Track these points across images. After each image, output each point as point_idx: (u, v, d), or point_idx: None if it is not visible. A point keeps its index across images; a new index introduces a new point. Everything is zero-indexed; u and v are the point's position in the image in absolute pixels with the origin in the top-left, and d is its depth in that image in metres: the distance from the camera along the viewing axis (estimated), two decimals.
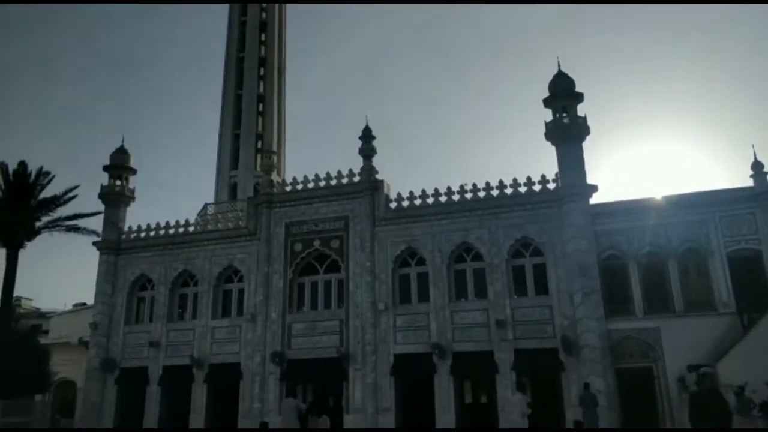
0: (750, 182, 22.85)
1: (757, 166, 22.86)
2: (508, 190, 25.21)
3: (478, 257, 25.04)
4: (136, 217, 61.59)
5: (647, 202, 23.67)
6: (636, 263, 23.10)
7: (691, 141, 64.44)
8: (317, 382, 28.28)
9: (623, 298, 23.04)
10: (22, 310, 41.53)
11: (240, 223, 29.65)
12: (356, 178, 27.58)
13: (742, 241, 22.21)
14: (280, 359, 26.05)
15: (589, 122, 24.51)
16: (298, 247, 27.64)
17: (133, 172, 32.56)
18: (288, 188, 29.03)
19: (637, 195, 31.02)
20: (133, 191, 32.28)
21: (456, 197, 25.91)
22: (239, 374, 26.63)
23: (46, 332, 34.75)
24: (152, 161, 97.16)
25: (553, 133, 24.69)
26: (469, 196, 25.73)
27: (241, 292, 28.40)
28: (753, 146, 23.55)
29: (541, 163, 75.21)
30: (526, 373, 23.52)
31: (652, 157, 66.01)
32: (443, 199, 26.12)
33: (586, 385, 19.84)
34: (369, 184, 27.06)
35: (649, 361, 22.17)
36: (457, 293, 25.20)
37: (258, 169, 35.58)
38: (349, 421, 24.32)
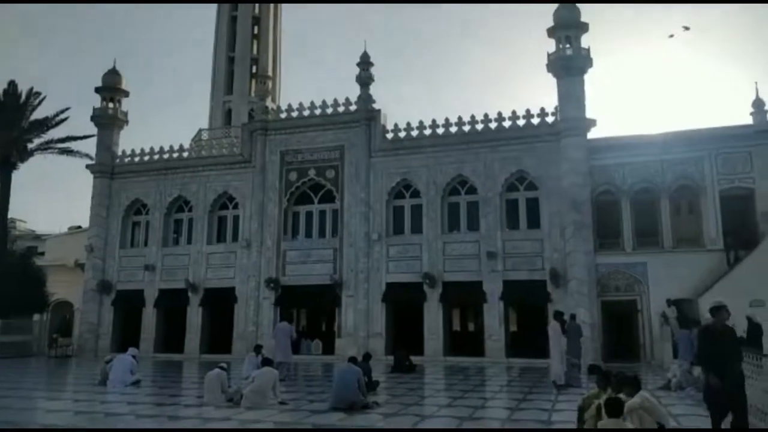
0: (750, 120, 22.70)
1: (758, 103, 22.65)
2: (507, 123, 24.99)
3: (472, 190, 25.11)
4: (130, 141, 61.06)
5: (644, 138, 23.55)
6: (629, 199, 23.25)
7: (692, 73, 63.27)
8: (311, 307, 29.06)
9: (613, 233, 23.34)
10: (17, 232, 41.77)
11: (234, 149, 29.47)
12: (353, 107, 27.21)
13: (736, 179, 22.27)
14: (274, 285, 26.55)
15: (592, 54, 24.01)
16: (293, 176, 27.60)
17: (126, 94, 31.97)
18: (283, 115, 28.67)
19: (636, 131, 30.86)
20: (126, 114, 31.82)
21: (453, 129, 25.69)
22: (234, 298, 27.21)
23: (42, 254, 35.12)
24: (146, 85, 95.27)
25: (555, 64, 24.19)
26: (466, 128, 25.51)
27: (236, 218, 28.59)
28: (756, 83, 23.20)
29: (541, 97, 74.12)
30: (515, 303, 24.17)
31: (654, 93, 65.06)
32: (440, 130, 25.89)
33: (572, 316, 20.28)
34: (365, 114, 26.74)
35: (634, 295, 22.72)
36: (450, 225, 25.43)
37: (253, 94, 34.96)
38: (340, 344, 25.09)
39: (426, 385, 16.85)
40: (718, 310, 8.60)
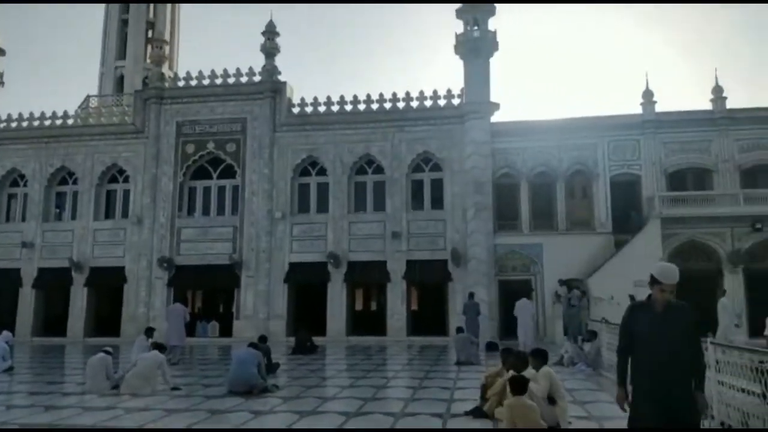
0: (639, 109, 24.10)
1: (647, 94, 24.06)
2: (414, 104, 24.97)
3: (379, 170, 24.94)
4: (6, 105, 55.42)
5: (543, 124, 24.41)
6: (527, 182, 24.06)
7: (593, 63, 66.80)
8: (208, 288, 27.85)
9: (512, 215, 24.12)
10: None
11: (126, 118, 27.41)
12: (257, 78, 26.09)
13: (625, 166, 23.65)
14: (167, 264, 25.11)
15: (498, 38, 24.46)
16: (191, 148, 26.11)
17: (1, 53, 28.78)
18: (181, 83, 26.99)
19: (537, 116, 31.99)
20: (1, 75, 28.68)
21: (362, 107, 25.33)
22: (123, 278, 25.49)
23: None
24: (28, 43, 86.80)
25: (462, 46, 24.42)
26: (375, 106, 25.24)
27: (126, 193, 26.69)
28: (646, 74, 24.70)
29: (448, 78, 75.10)
30: (417, 282, 24.43)
31: (553, 78, 68.00)
32: (349, 107, 25.45)
33: (471, 295, 20.79)
34: (270, 85, 25.72)
35: (529, 275, 23.63)
36: (357, 205, 25.17)
37: (148, 60, 32.68)
38: (238, 326, 24.24)
39: (328, 366, 16.55)
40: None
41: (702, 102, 24.27)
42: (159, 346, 11.81)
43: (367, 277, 24.91)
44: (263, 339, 14.71)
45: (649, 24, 65.40)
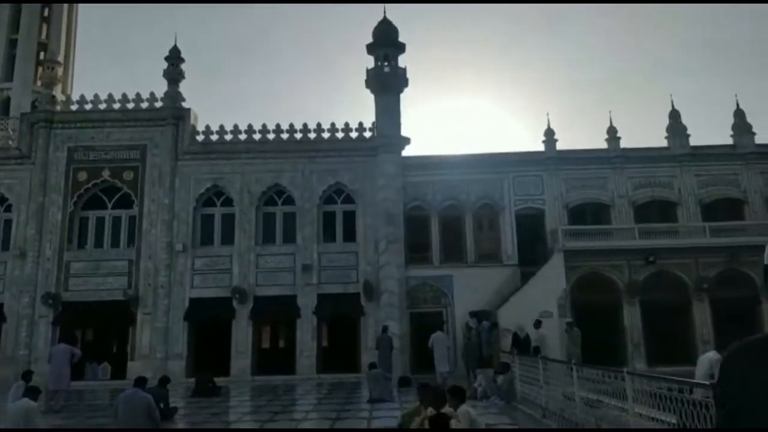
0: (542, 147, 25.15)
1: (549, 133, 25.19)
2: (326, 135, 24.68)
3: (289, 201, 24.26)
4: None
5: (453, 159, 24.86)
6: (437, 215, 24.26)
7: (500, 101, 69.87)
8: (99, 326, 25.63)
9: (423, 247, 24.14)
10: None
11: (10, 143, 25.08)
12: (159, 104, 24.81)
13: (530, 200, 24.45)
14: (53, 301, 22.86)
15: (408, 74, 24.81)
16: (83, 176, 24.25)
17: None
18: (74, 107, 25.17)
19: (445, 149, 32.60)
20: None
21: (271, 136, 24.70)
22: (2, 317, 22.92)
23: None
24: None
25: (373, 81, 24.57)
26: (285, 136, 24.69)
27: (8, 223, 24.24)
28: (548, 114, 25.97)
29: (360, 110, 75.91)
30: (328, 317, 23.71)
31: (461, 113, 70.33)
32: (257, 136, 24.72)
33: (384, 328, 20.41)
34: (173, 112, 24.53)
35: (440, 307, 23.60)
36: (265, 237, 24.25)
37: (38, 82, 30.35)
38: (133, 367, 22.27)
39: (232, 409, 15.44)
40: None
41: (599, 141, 25.64)
42: (32, 391, 10.35)
43: (276, 313, 23.88)
44: (164, 381, 13.45)
45: (553, 63, 69.74)
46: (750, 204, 24.33)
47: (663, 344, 22.57)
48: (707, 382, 5.85)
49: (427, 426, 6.98)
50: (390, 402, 14.40)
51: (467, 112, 69.39)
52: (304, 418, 13.24)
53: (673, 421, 6.43)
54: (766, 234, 22.95)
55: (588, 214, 24.78)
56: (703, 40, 65.20)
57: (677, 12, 65.48)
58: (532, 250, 23.77)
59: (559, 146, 25.08)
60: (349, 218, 24.23)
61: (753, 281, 22.96)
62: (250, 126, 24.75)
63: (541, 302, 21.77)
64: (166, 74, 25.15)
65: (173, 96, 24.86)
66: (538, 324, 19.66)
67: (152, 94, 24.90)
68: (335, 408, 14.15)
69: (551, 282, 22.17)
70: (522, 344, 17.88)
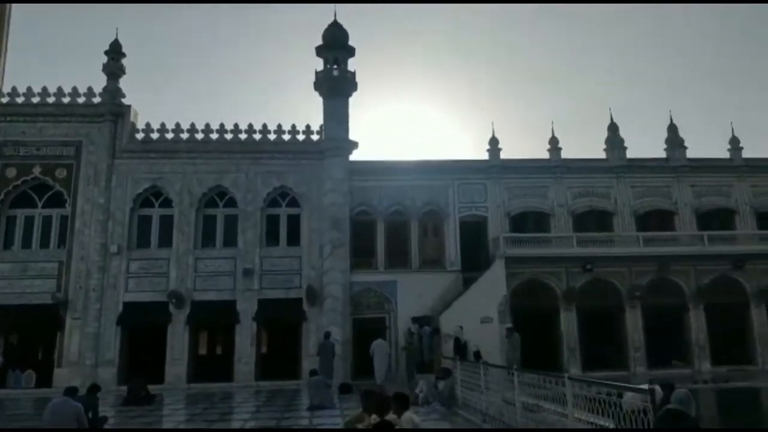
0: (487, 156, 25.57)
1: (493, 141, 25.63)
2: (272, 136, 24.28)
3: (231, 203, 23.69)
4: None
5: (400, 165, 24.93)
6: (383, 220, 24.25)
7: (448, 108, 70.47)
8: (24, 331, 24.17)
9: (368, 253, 24.05)
10: None
11: None
12: (96, 99, 23.78)
13: (473, 207, 24.79)
14: None
15: (358, 78, 24.75)
16: (12, 172, 22.96)
17: None
18: (4, 100, 23.76)
19: (393, 155, 32.67)
20: None
21: (214, 136, 24.08)
22: None
23: None
24: None
25: (321, 84, 24.37)
26: (228, 136, 24.12)
27: None
28: (492, 123, 26.26)
29: (308, 113, 74.87)
30: (269, 323, 23.25)
31: (409, 118, 70.57)
32: (200, 136, 24.05)
33: (327, 334, 20.20)
34: (112, 108, 23.56)
35: (383, 312, 23.56)
36: (205, 240, 23.56)
37: None
38: (60, 375, 21.15)
39: (166, 418, 14.86)
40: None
41: (542, 151, 26.27)
42: None
43: (214, 318, 23.19)
44: (94, 389, 12.73)
45: (498, 73, 71.19)
46: (680, 215, 25.47)
47: (597, 349, 23.35)
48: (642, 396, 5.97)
49: None
50: (331, 409, 14.23)
51: (415, 117, 69.88)
52: (242, 426, 12.87)
53: (611, 426, 6.56)
54: (695, 244, 24.15)
55: (529, 222, 25.34)
56: (645, 53, 68.12)
57: (625, 25, 68.19)
58: (475, 256, 24.09)
59: (504, 155, 25.55)
60: (294, 222, 23.86)
61: (681, 289, 24.08)
62: (192, 125, 24.07)
63: (482, 308, 22.10)
64: (106, 69, 24.16)
65: (112, 92, 23.88)
66: (459, 330, 19.96)
67: (90, 89, 23.84)
68: (274, 416, 13.83)
69: (492, 288, 22.52)
70: (462, 349, 18.08)
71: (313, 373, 15.95)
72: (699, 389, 10.57)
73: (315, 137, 24.38)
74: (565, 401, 7.46)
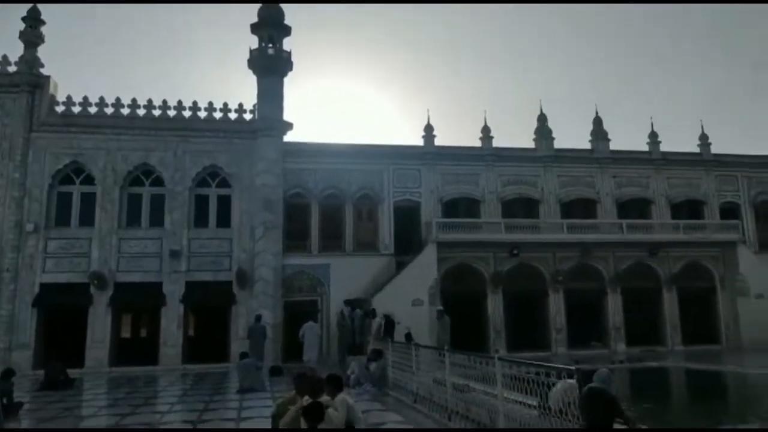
0: (421, 141, 25.85)
1: (428, 128, 25.92)
2: (202, 114, 23.50)
3: (158, 182, 22.84)
4: None
5: (335, 147, 24.78)
6: (318, 203, 24.10)
7: (386, 93, 70.20)
8: None
9: (302, 236, 23.88)
10: None
11: None
12: (12, 68, 22.23)
13: (407, 192, 25.05)
14: None
15: (295, 58, 24.35)
16: None
17: None
18: None
19: (328, 137, 32.33)
20: None
21: (141, 111, 23.06)
22: None
23: None
24: None
25: (256, 62, 23.79)
26: (156, 112, 23.16)
27: None
28: (428, 110, 26.60)
29: (241, 91, 72.61)
30: (197, 306, 22.71)
31: (345, 102, 69.90)
32: (126, 111, 22.98)
33: (257, 317, 19.94)
34: (29, 78, 22.12)
35: (316, 295, 23.52)
36: (129, 219, 22.65)
37: None
38: None
39: (86, 403, 14.27)
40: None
41: (474, 139, 26.78)
42: None
43: (138, 301, 22.43)
44: (7, 374, 12.07)
45: (436, 61, 71.69)
46: (602, 204, 26.71)
47: (521, 331, 24.26)
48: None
49: (301, 415, 6.84)
50: (261, 392, 14.10)
51: (355, 101, 69.53)
52: (169, 410, 12.55)
53: (535, 404, 6.85)
54: (614, 232, 25.42)
55: (461, 207, 25.87)
56: (576, 46, 70.47)
57: (560, 17, 70.14)
58: (408, 240, 24.40)
59: (439, 142, 25.90)
60: (224, 203, 23.29)
61: (601, 274, 25.34)
62: (118, 99, 22.94)
63: (413, 291, 22.46)
64: (23, 36, 22.59)
65: (30, 61, 22.38)
66: (373, 313, 20.10)
67: (5, 57, 22.25)
68: (202, 399, 13.55)
69: (424, 271, 22.92)
70: (390, 329, 18.29)
71: (243, 356, 15.75)
72: (615, 369, 11.21)
73: (248, 116, 23.82)
74: (494, 381, 7.71)
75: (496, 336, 23.76)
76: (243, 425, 9.82)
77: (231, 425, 9.83)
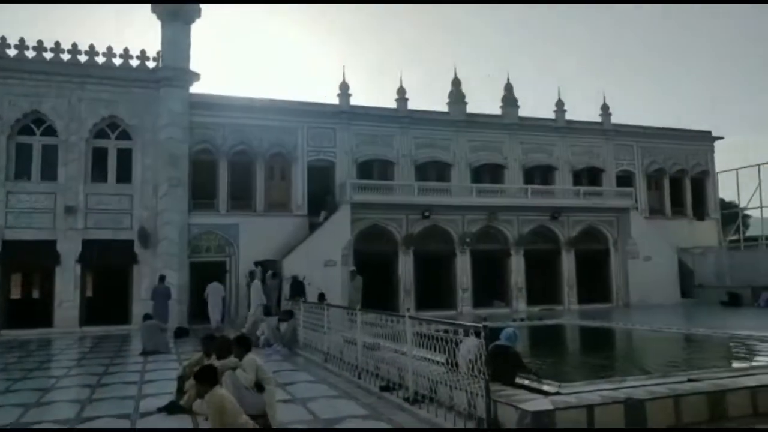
0: (337, 100, 25.40)
1: (344, 86, 25.48)
2: (100, 59, 21.77)
3: (51, 132, 21.09)
4: None
5: (247, 102, 23.87)
6: (227, 160, 23.27)
7: (302, 47, 67.72)
8: None
9: (209, 194, 23.05)
10: None
11: None
12: None
13: (322, 152, 24.70)
14: None
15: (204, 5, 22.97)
16: None
17: None
18: None
19: (240, 92, 30.88)
20: None
21: (31, 54, 21.01)
22: None
23: None
24: None
25: (160, 5, 22.18)
26: (48, 56, 21.18)
27: None
28: (343, 67, 25.99)
29: (145, 39, 67.68)
30: (95, 265, 21.47)
31: (259, 55, 67.12)
32: (12, 52, 20.89)
33: (161, 278, 19.13)
34: None
35: (224, 256, 22.93)
36: (18, 172, 20.86)
37: None
38: None
39: None
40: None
41: (390, 101, 26.67)
42: None
43: (30, 260, 20.91)
44: None
45: (355, 21, 70.31)
46: (509, 169, 27.63)
47: (430, 291, 24.93)
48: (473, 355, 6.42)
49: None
50: (165, 354, 13.64)
51: (266, 54, 67.04)
52: (66, 374, 11.84)
53: (443, 360, 7.03)
54: (520, 197, 26.41)
55: (375, 169, 25.90)
56: (493, 13, 71.35)
57: None
58: (322, 201, 24.16)
59: (353, 101, 25.55)
60: (125, 157, 21.91)
61: (506, 237, 26.35)
62: (3, 39, 20.74)
63: (326, 252, 22.39)
64: None
65: None
66: (294, 279, 19.80)
67: None
68: (102, 362, 12.90)
69: (337, 232, 22.87)
70: (298, 290, 18.19)
71: (146, 317, 15.10)
72: (516, 326, 11.77)
73: (151, 64, 22.35)
74: (404, 339, 7.82)
75: (406, 295, 24.26)
76: (146, 388, 9.43)
77: (133, 388, 9.41)
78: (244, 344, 7.35)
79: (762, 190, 27.58)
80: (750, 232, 34.89)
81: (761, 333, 12.99)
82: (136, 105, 21.77)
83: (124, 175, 21.81)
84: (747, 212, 33.73)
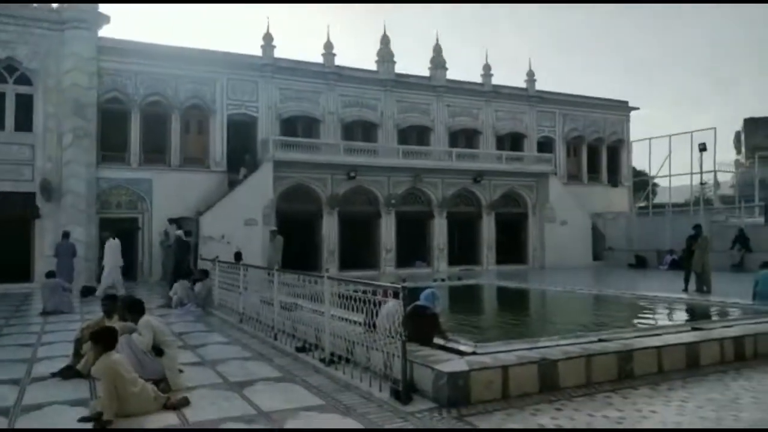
0: (260, 52, 24.24)
1: (267, 37, 24.31)
2: None
3: None
4: None
5: (161, 49, 22.33)
6: (139, 111, 21.82)
7: None
8: None
9: (120, 146, 21.64)
10: None
11: None
12: None
13: (243, 106, 23.63)
14: None
15: None
16: None
17: None
18: None
19: (154, 39, 28.87)
20: None
21: None
22: None
23: None
24: None
25: None
26: None
27: None
28: (267, 17, 24.76)
29: None
30: None
31: (187, 6, 63.21)
32: None
33: (65, 234, 17.83)
34: None
35: (137, 212, 21.77)
36: None
37: None
38: None
39: None
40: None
41: (317, 57, 25.78)
42: None
43: None
44: None
45: None
46: (436, 132, 27.62)
47: (353, 251, 24.81)
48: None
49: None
50: (69, 314, 12.80)
51: (189, 5, 63.28)
52: None
53: (360, 320, 6.85)
54: (445, 159, 26.51)
55: (300, 126, 25.15)
56: None
57: None
58: (242, 157, 23.25)
59: (278, 54, 24.49)
60: (25, 103, 20.05)
61: (430, 199, 26.49)
62: None
63: (247, 210, 21.69)
64: None
65: None
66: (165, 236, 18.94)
67: None
68: None
69: (259, 191, 22.16)
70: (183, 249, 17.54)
71: (49, 275, 14.07)
72: (437, 286, 11.83)
73: (56, 5, 20.40)
74: (323, 299, 7.57)
75: (329, 256, 24.01)
76: (42, 350, 8.73)
77: (27, 351, 8.69)
78: (136, 309, 6.78)
79: (671, 160, 29.05)
80: (657, 200, 36.95)
81: (665, 294, 13.73)
82: (37, 47, 19.88)
83: (25, 123, 20.03)
84: (656, 180, 35.61)
